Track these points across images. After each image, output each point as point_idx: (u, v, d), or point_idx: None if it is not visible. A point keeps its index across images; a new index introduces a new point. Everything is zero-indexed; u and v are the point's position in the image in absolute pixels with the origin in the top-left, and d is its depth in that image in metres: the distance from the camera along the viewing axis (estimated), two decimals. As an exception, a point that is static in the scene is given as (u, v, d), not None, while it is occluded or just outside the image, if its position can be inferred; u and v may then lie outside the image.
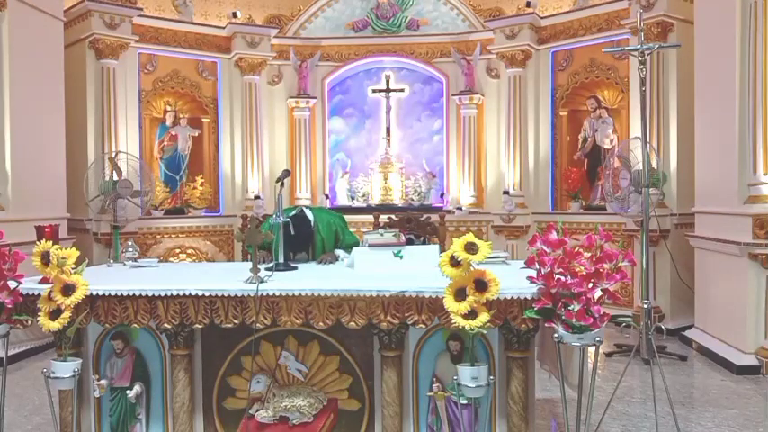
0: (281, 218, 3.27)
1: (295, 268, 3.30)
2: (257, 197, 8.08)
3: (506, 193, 7.76)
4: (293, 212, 3.64)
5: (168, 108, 7.88)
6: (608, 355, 5.42)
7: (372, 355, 2.95)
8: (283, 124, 8.51)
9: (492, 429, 2.85)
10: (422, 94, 8.64)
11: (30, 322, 2.80)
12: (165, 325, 2.78)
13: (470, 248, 2.41)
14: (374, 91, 8.65)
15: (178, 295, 2.72)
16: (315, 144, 8.53)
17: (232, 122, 8.21)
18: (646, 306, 3.91)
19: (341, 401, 2.99)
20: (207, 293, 2.71)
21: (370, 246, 3.16)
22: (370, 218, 6.63)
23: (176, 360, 2.90)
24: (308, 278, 2.94)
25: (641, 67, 4.10)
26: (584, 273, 2.40)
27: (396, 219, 4.84)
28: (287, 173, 3.53)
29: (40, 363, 5.28)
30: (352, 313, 2.68)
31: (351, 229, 4.06)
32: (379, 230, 3.31)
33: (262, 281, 2.72)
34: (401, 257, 3.11)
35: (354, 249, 3.27)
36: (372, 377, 2.96)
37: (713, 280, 5.46)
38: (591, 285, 2.40)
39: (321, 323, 2.70)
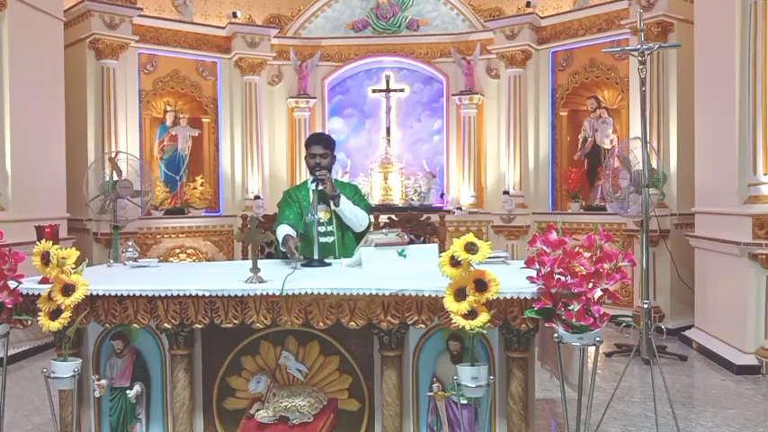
0: (316, 216, 3.43)
1: (329, 264, 3.39)
2: (257, 197, 8.07)
3: (506, 193, 7.76)
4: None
5: (168, 108, 7.87)
6: (608, 355, 5.42)
7: (372, 355, 2.94)
8: (283, 124, 8.51)
9: (492, 429, 2.85)
10: (422, 94, 8.64)
11: (30, 322, 2.80)
12: (165, 325, 2.77)
13: (470, 248, 2.41)
14: (374, 91, 8.64)
15: (178, 295, 2.71)
16: (315, 144, 8.54)
17: (232, 122, 8.21)
18: (646, 306, 3.89)
19: (341, 401, 2.99)
20: (207, 293, 2.71)
21: (377, 245, 3.19)
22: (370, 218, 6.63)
23: (176, 360, 2.90)
24: (308, 278, 2.94)
25: (641, 67, 4.09)
26: (584, 273, 2.40)
27: (396, 219, 4.83)
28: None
29: (40, 363, 5.27)
30: (352, 313, 2.67)
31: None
32: (383, 230, 3.35)
33: (261, 281, 2.72)
34: (405, 256, 3.14)
35: (362, 249, 3.29)
36: (372, 377, 2.95)
37: (713, 280, 5.46)
38: (591, 285, 2.39)
39: (321, 323, 2.70)
